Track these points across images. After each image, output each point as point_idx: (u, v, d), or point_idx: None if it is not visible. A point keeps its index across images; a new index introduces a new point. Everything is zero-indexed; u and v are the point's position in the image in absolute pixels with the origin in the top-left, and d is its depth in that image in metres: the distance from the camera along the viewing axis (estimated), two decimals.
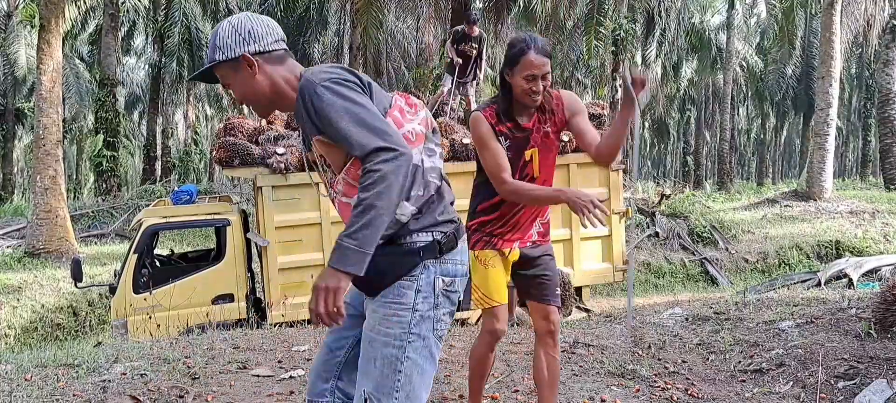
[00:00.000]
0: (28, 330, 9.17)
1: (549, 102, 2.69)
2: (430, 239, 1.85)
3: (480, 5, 17.02)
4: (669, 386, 3.80)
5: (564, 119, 2.72)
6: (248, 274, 7.01)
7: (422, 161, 1.85)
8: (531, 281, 2.86)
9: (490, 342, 2.88)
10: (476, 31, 8.24)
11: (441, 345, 1.92)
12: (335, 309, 1.66)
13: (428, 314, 1.85)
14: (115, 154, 18.47)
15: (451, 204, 1.96)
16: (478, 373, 2.98)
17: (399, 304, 1.83)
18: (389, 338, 1.83)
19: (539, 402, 2.97)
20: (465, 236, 1.98)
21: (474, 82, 8.56)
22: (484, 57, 8.54)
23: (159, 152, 24.63)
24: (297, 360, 4.16)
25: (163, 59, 22.82)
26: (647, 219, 13.54)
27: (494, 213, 2.76)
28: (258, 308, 7.28)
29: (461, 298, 1.97)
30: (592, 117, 7.48)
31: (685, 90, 34.52)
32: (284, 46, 1.90)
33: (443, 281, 1.86)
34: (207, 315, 6.36)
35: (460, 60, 8.30)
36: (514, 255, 2.82)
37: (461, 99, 8.64)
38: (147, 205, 10.53)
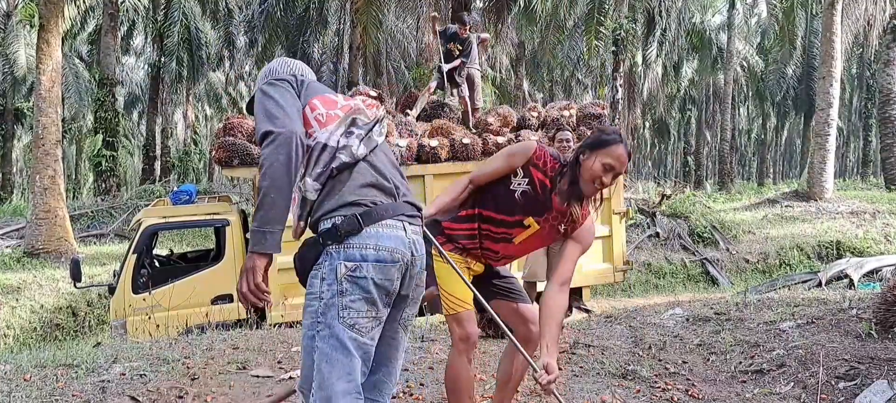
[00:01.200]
0: (27, 330, 9.16)
1: (581, 210, 2.55)
2: (330, 224, 1.87)
3: (481, 5, 17.00)
4: (670, 387, 3.79)
5: (569, 233, 2.60)
6: None
7: (337, 142, 1.89)
8: (495, 287, 2.76)
9: (464, 351, 2.63)
10: (465, 33, 8.20)
11: (361, 336, 1.85)
12: (255, 286, 1.79)
13: (332, 301, 1.83)
14: (115, 154, 18.46)
15: (368, 186, 1.91)
16: (460, 390, 2.64)
17: (310, 293, 1.89)
18: (305, 328, 1.90)
19: (500, 400, 2.86)
20: (385, 222, 1.88)
21: (456, 83, 8.37)
22: (468, 60, 8.37)
23: (159, 152, 24.63)
24: (297, 360, 4.14)
25: (162, 59, 22.82)
26: (648, 220, 13.53)
27: (467, 224, 2.67)
28: (257, 308, 7.26)
29: (388, 285, 1.88)
30: (592, 117, 7.46)
31: (686, 90, 34.51)
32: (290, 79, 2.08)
33: (345, 266, 1.83)
34: (207, 315, 6.34)
35: (441, 64, 8.25)
36: (478, 268, 2.74)
37: (445, 93, 8.56)
38: (146, 205, 10.52)
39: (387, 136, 2.13)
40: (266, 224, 1.77)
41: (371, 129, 1.96)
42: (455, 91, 8.39)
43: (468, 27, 8.23)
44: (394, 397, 3.50)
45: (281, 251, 1.84)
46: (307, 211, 1.93)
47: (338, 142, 1.89)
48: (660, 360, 4.31)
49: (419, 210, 2.04)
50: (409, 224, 1.95)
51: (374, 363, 1.98)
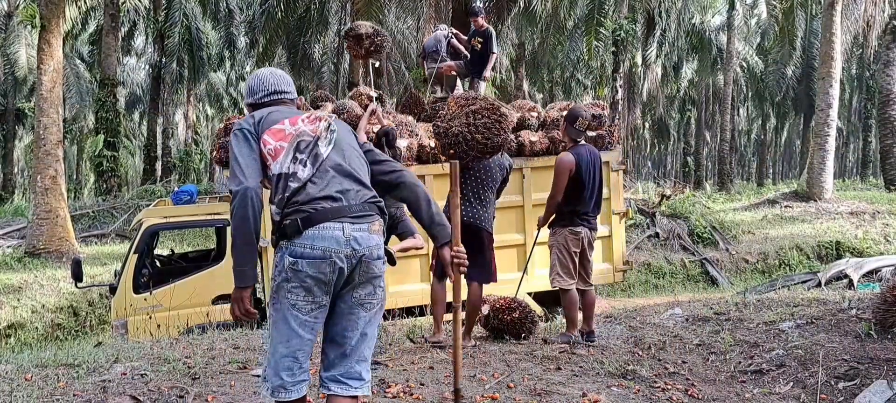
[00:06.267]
0: (28, 330, 9.17)
1: None
2: (283, 226, 2.30)
3: (480, 5, 16.97)
4: (669, 387, 3.80)
5: None
6: None
7: (289, 168, 2.30)
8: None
9: None
10: (483, 25, 8.20)
11: (300, 316, 2.28)
12: (242, 312, 2.34)
13: (281, 285, 2.30)
14: (116, 154, 18.48)
15: (314, 200, 2.28)
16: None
17: (272, 273, 2.38)
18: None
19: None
20: (323, 225, 2.25)
21: (480, 80, 8.37)
22: (492, 53, 8.33)
23: (160, 152, 24.66)
24: None
25: (163, 60, 22.83)
26: (648, 220, 13.54)
27: None
28: (258, 308, 7.27)
29: (321, 277, 2.25)
30: (593, 117, 7.47)
31: (685, 91, 34.52)
32: (276, 97, 2.53)
33: (288, 260, 2.27)
34: (208, 315, 6.35)
35: (465, 56, 8.22)
36: None
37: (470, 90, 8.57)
38: (147, 205, 10.53)
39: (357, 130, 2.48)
40: (239, 265, 2.27)
41: (313, 147, 2.33)
42: (475, 85, 8.38)
43: (481, 17, 8.21)
44: (394, 397, 3.51)
45: (257, 281, 2.18)
46: (275, 229, 2.34)
47: (288, 168, 2.30)
48: (659, 360, 4.32)
49: (375, 205, 2.38)
50: (351, 223, 2.30)
51: (336, 333, 2.40)
